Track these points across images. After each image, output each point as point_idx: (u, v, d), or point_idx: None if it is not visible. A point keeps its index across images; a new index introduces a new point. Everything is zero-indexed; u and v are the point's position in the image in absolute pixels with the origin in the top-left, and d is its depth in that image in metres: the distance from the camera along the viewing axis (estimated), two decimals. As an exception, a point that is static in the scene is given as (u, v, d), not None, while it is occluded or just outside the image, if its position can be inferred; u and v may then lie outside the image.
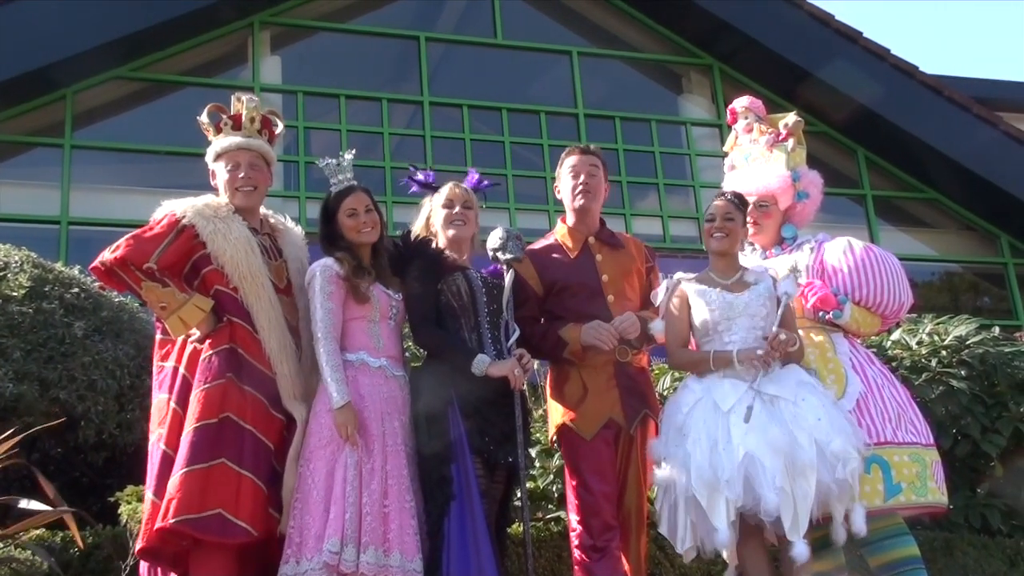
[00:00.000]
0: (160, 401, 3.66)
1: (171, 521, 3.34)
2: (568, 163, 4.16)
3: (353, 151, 4.01)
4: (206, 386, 3.54)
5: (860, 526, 3.60)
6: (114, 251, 3.64)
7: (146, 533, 3.45)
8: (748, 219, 4.13)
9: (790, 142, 4.37)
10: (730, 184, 4.32)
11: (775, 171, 4.30)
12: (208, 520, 3.37)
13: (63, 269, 5.36)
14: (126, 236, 3.69)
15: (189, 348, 3.65)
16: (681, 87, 10.47)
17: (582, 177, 4.09)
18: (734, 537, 3.62)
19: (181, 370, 3.62)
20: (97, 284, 5.31)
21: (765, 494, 3.49)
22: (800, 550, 3.49)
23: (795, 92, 9.79)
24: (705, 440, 3.64)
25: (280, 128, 4.07)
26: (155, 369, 3.77)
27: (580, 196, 4.08)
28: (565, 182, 4.15)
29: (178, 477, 3.40)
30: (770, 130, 4.42)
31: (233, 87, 8.79)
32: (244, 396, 3.56)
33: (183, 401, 3.56)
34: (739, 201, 4.01)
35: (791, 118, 4.42)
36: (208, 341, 3.63)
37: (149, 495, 3.51)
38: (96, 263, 3.68)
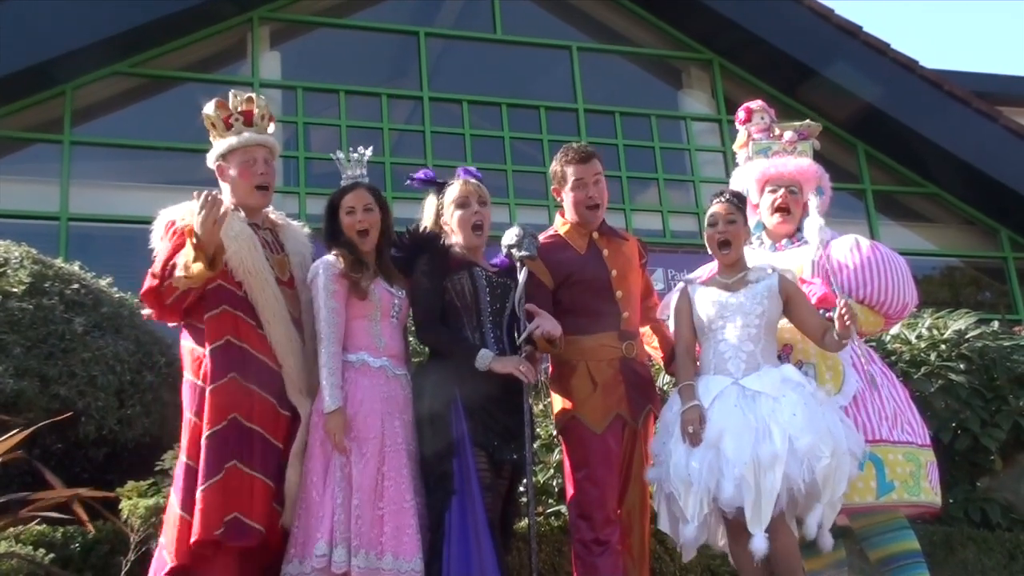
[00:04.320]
0: (187, 422, 3.63)
1: (202, 538, 3.36)
2: (571, 173, 4.03)
3: (371, 147, 4.00)
4: (212, 386, 3.53)
5: (813, 530, 3.57)
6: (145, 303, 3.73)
7: (178, 550, 3.42)
8: (778, 202, 4.17)
9: (812, 140, 4.42)
10: (752, 171, 4.32)
11: (807, 161, 4.32)
12: (228, 526, 3.39)
13: (63, 265, 5.36)
14: (143, 288, 3.66)
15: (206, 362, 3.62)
16: (681, 82, 10.46)
17: (590, 190, 4.01)
18: (703, 534, 3.65)
19: (198, 383, 3.61)
20: (101, 282, 5.33)
21: (724, 485, 3.51)
22: (758, 544, 3.48)
23: (795, 87, 9.79)
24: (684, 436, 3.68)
25: (272, 128, 4.05)
26: (185, 386, 3.71)
27: (592, 211, 4.03)
28: (570, 191, 4.04)
29: (200, 495, 3.41)
30: (794, 123, 4.47)
31: (233, 83, 8.72)
32: (251, 396, 3.56)
33: (200, 412, 3.56)
34: (739, 200, 4.00)
35: (808, 122, 4.49)
36: (208, 338, 3.62)
37: (176, 511, 3.47)
38: (147, 314, 3.83)
